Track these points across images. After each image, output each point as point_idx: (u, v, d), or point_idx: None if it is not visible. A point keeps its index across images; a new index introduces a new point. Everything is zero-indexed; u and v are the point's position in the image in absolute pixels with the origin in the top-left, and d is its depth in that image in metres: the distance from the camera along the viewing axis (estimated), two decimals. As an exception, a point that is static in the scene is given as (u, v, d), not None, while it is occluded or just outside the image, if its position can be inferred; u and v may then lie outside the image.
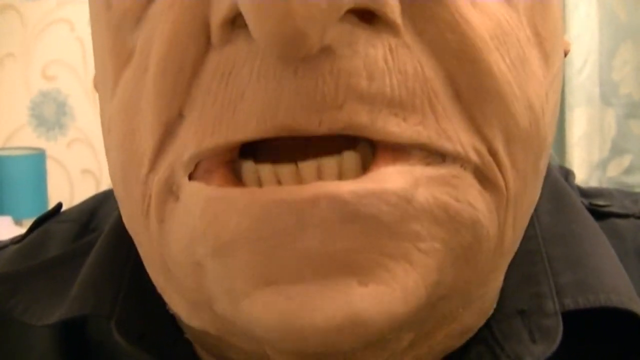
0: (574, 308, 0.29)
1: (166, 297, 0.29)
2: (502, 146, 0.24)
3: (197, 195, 0.24)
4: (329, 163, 0.24)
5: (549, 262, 0.31)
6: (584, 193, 0.38)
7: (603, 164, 1.44)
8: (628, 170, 1.45)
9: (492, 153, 0.24)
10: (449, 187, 0.24)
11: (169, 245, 0.26)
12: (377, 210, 0.22)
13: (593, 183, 1.44)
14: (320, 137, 0.23)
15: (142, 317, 0.32)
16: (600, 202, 0.37)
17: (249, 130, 0.23)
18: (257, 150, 0.24)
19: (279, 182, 0.24)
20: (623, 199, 0.38)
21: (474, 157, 0.24)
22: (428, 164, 0.24)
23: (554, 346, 0.28)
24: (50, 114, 1.65)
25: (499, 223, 0.25)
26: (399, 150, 0.23)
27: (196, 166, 0.25)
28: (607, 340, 0.31)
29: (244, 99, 0.23)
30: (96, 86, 0.30)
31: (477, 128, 0.24)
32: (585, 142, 1.41)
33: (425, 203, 0.23)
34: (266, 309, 0.23)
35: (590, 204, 0.37)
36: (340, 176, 0.24)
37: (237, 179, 0.25)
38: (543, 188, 0.35)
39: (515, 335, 0.29)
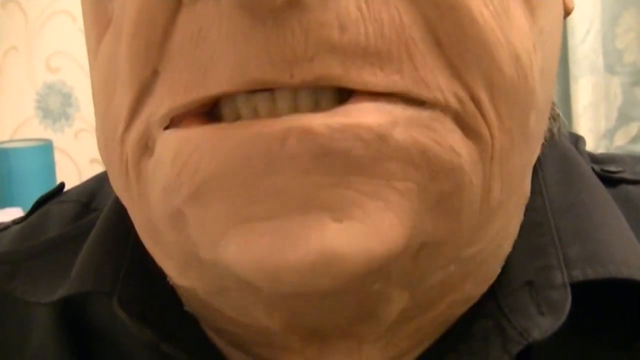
0: (582, 279, 0.29)
1: (157, 259, 0.29)
2: (486, 95, 0.24)
3: (169, 140, 0.24)
4: (305, 94, 0.23)
5: (557, 233, 0.31)
6: (595, 159, 0.38)
7: (610, 133, 1.44)
8: (635, 139, 1.45)
9: (475, 101, 0.24)
10: (429, 129, 0.23)
11: (148, 201, 0.26)
12: (350, 146, 0.22)
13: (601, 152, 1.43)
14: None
15: (143, 294, 0.32)
16: (612, 168, 0.36)
17: (221, 85, 0.23)
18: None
19: (257, 116, 0.23)
20: (635, 165, 0.37)
21: (454, 103, 0.23)
22: (408, 106, 0.23)
23: (562, 319, 0.28)
24: (55, 105, 1.65)
25: (484, 174, 0.25)
26: (378, 95, 0.23)
27: (171, 121, 0.25)
28: (617, 313, 0.31)
29: (215, 57, 0.23)
30: None
31: (458, 75, 0.23)
32: (591, 112, 1.41)
33: (402, 143, 0.23)
34: (240, 249, 0.23)
35: (602, 170, 0.36)
36: (317, 109, 0.23)
37: (211, 121, 0.24)
38: (551, 157, 0.34)
39: (522, 308, 0.29)
